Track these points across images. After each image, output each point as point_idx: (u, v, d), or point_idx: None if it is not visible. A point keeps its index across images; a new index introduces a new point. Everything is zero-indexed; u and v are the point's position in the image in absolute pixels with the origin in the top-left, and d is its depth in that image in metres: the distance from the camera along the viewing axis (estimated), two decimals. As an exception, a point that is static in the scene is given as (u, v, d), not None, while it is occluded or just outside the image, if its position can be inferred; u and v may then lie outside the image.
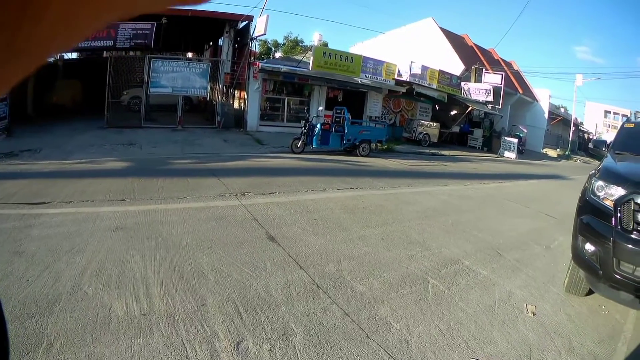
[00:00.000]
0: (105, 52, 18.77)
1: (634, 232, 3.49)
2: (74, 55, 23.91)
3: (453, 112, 24.62)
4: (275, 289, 3.70)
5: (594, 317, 3.94)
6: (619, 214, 3.60)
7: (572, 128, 34.64)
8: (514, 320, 3.59)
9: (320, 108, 17.37)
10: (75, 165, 8.73)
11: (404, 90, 20.92)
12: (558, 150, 30.74)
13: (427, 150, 18.67)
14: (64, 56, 23.08)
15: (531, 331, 3.44)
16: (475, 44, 31.08)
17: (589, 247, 3.72)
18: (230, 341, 2.85)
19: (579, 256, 3.87)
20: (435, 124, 21.69)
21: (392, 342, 3.05)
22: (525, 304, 3.92)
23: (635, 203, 3.54)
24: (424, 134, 20.73)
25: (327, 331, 3.08)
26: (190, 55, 26.44)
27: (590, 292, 4.16)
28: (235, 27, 18.06)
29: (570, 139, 34.39)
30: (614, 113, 57.25)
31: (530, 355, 3.11)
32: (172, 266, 3.96)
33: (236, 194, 6.96)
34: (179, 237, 4.79)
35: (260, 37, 18.68)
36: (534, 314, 3.75)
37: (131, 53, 17.86)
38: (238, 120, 18.01)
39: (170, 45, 20.77)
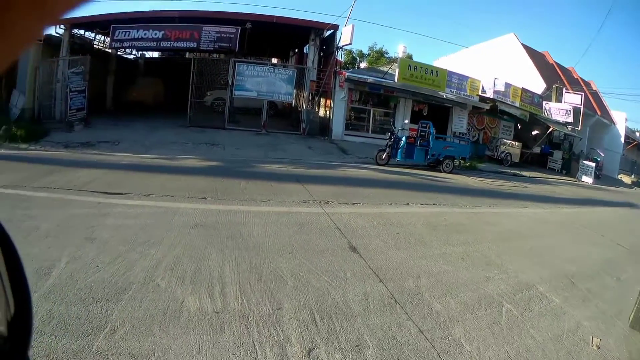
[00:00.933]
0: (187, 53, 19.91)
1: None
2: (156, 54, 25.67)
3: (534, 132, 24.02)
4: (353, 299, 3.65)
5: (653, 355, 3.83)
6: None
7: (648, 154, 31.96)
8: (579, 352, 3.54)
9: (406, 121, 17.21)
10: (154, 160, 9.27)
11: (487, 107, 20.67)
12: (632, 177, 28.02)
13: (509, 170, 18.32)
14: (145, 54, 24.92)
15: (593, 365, 3.36)
16: (555, 62, 29.46)
17: None
18: (303, 347, 2.81)
19: None
20: (517, 144, 21.47)
21: (461, 364, 3.01)
22: (591, 337, 3.86)
23: None
24: (506, 153, 20.66)
25: (400, 347, 3.06)
26: (274, 61, 27.33)
27: None
28: (321, 35, 18.39)
29: (645, 165, 31.40)
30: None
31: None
32: (251, 267, 3.98)
33: (320, 202, 6.99)
34: (260, 239, 4.84)
35: (346, 47, 19.03)
36: (598, 347, 3.68)
37: (214, 55, 18.74)
38: (323, 128, 18.29)
39: (254, 50, 21.55)
